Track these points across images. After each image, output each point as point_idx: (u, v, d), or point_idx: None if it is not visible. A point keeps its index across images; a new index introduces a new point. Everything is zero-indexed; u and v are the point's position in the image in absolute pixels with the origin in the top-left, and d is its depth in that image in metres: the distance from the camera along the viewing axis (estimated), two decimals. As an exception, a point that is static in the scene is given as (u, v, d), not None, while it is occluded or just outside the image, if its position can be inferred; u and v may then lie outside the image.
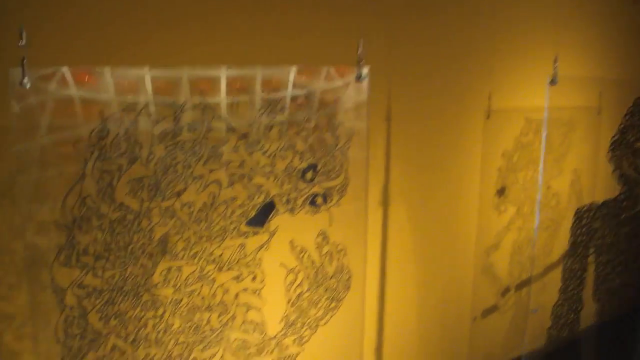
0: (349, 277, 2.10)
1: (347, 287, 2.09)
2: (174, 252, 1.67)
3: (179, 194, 1.64)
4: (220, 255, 1.76)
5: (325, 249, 2.01)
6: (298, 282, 1.96)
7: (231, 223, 1.76)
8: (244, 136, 1.74)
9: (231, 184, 1.74)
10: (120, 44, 1.65)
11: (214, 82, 1.66)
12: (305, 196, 1.92)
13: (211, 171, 1.69)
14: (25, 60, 1.33)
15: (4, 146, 1.45)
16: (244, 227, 1.79)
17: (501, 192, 3.02)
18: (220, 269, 1.77)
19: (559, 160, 3.10)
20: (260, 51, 1.95)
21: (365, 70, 1.97)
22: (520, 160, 3.02)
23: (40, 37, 1.41)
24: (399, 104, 2.48)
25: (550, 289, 3.26)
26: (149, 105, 1.55)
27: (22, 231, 1.45)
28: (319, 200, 1.95)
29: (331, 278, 2.04)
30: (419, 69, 2.56)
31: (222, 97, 1.68)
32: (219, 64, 1.65)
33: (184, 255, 1.69)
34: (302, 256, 1.96)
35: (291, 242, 1.92)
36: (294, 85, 1.82)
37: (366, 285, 2.17)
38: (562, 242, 3.24)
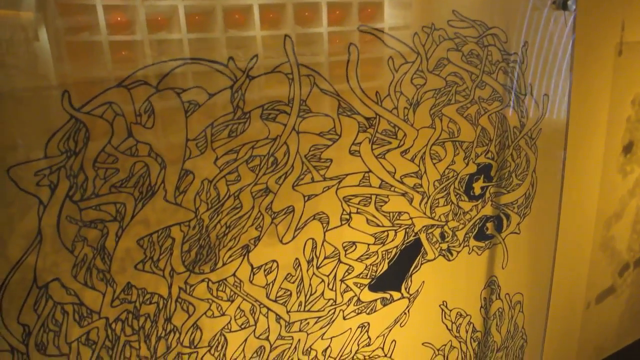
0: (523, 343, 1.25)
1: (521, 361, 1.25)
2: (240, 357, 0.84)
3: (246, 251, 0.80)
4: (326, 349, 0.93)
5: (493, 307, 1.16)
6: (449, 367, 1.13)
7: (345, 291, 0.92)
8: (370, 124, 0.86)
9: (346, 218, 0.88)
10: None
11: (311, 12, 0.77)
12: (471, 224, 1.04)
13: (308, 198, 0.83)
14: None
15: None
16: (366, 295, 0.95)
17: (628, 148, 2.27)
18: (324, 374, 0.94)
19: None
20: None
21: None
22: (651, 107, 2.23)
23: None
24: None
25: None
26: (169, 74, 0.68)
27: None
28: (490, 228, 1.08)
29: (498, 351, 1.20)
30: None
31: (325, 49, 0.79)
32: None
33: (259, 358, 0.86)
34: (459, 325, 1.11)
35: (443, 305, 1.07)
36: (455, 21, 0.92)
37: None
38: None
